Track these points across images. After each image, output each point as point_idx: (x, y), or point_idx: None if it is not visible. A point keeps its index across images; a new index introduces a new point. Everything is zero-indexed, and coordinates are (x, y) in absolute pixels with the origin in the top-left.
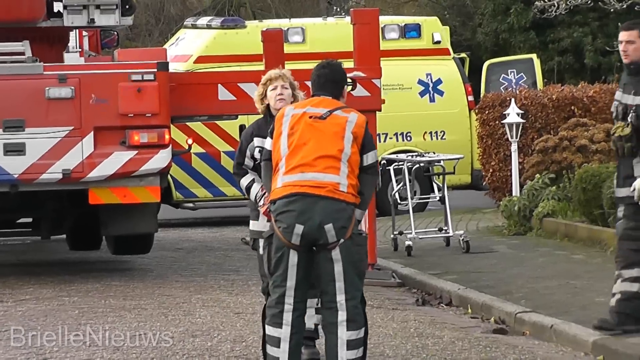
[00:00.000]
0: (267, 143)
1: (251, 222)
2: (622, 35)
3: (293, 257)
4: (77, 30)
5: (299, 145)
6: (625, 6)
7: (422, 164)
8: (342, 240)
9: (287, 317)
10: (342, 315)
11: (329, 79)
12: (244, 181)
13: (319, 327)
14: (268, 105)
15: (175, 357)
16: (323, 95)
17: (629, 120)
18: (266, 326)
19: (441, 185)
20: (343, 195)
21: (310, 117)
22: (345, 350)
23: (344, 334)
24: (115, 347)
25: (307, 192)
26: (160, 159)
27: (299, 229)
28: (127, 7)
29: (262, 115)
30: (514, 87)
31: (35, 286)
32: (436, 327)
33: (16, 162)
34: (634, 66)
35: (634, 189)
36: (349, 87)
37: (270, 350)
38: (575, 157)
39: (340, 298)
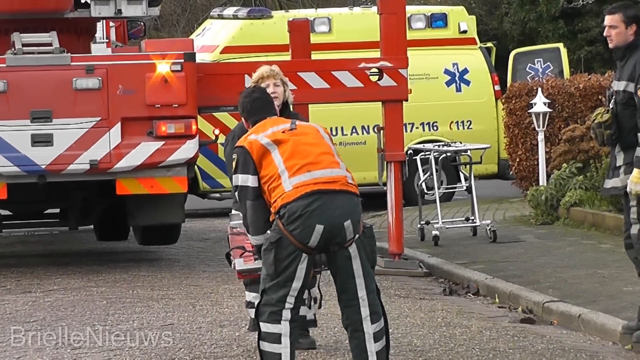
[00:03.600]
0: (250, 180)
1: (235, 211)
2: (606, 20)
3: (303, 261)
4: (104, 20)
5: (295, 148)
6: None
7: (448, 154)
8: (357, 235)
9: (287, 314)
10: (365, 312)
11: (265, 100)
12: None
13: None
14: None
15: (203, 347)
16: (269, 116)
17: (610, 106)
18: (263, 324)
19: (468, 174)
20: (353, 188)
21: (283, 132)
22: (373, 343)
23: (369, 327)
24: (144, 338)
25: (322, 188)
26: (187, 150)
27: (319, 229)
28: None
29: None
30: (541, 76)
31: (63, 277)
32: (464, 316)
33: (44, 153)
34: (617, 51)
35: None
36: (376, 77)
37: (270, 347)
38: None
39: (362, 294)
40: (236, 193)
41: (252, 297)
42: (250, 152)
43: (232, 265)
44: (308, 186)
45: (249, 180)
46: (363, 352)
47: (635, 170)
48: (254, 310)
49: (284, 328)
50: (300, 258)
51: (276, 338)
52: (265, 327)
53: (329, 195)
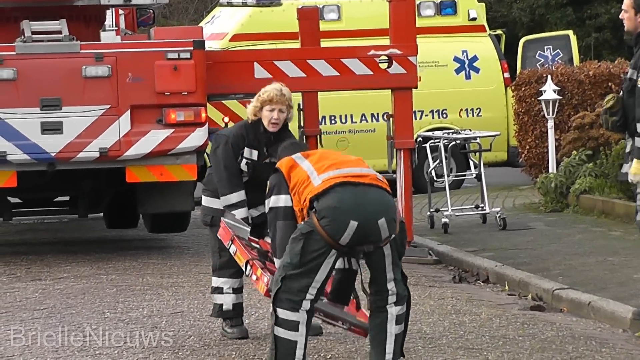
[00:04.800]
0: (282, 200)
1: (207, 199)
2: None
3: (332, 255)
4: (114, 8)
5: (323, 154)
6: None
7: (458, 141)
8: (393, 235)
9: (307, 304)
10: (392, 298)
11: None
12: (235, 197)
13: None
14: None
15: (213, 334)
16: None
17: (620, 92)
18: (281, 310)
19: (477, 162)
20: (384, 184)
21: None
22: (394, 325)
23: (393, 309)
24: (153, 325)
25: (352, 181)
26: (197, 137)
27: (353, 225)
28: None
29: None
30: (550, 63)
31: (73, 264)
32: (473, 304)
33: (53, 141)
34: (627, 36)
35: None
36: (385, 65)
37: (286, 334)
38: (612, 133)
39: (391, 286)
40: (268, 216)
41: (220, 282)
42: (280, 168)
43: (253, 276)
44: (337, 179)
45: (281, 200)
46: (383, 332)
47: (635, 160)
48: (219, 295)
49: (302, 316)
50: (328, 253)
51: (294, 325)
52: (283, 313)
53: (361, 190)
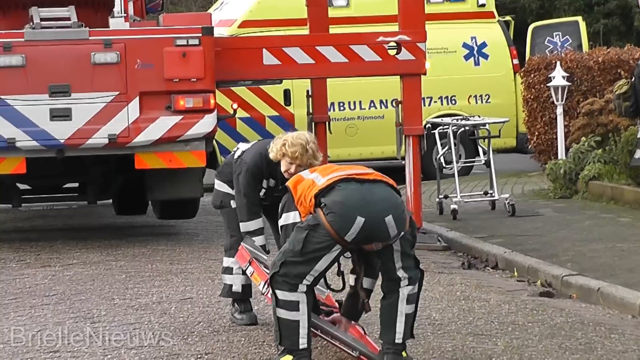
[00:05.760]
0: (292, 217)
1: (219, 182)
2: None
3: (336, 250)
4: None
5: (329, 165)
6: None
7: (467, 128)
8: (402, 232)
9: (303, 287)
10: (404, 282)
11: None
12: (253, 225)
13: None
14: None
15: (222, 320)
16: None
17: (632, 78)
18: (279, 292)
19: (486, 148)
20: (389, 180)
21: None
22: (405, 304)
23: (405, 290)
24: (163, 312)
25: (357, 177)
26: (206, 124)
27: (359, 222)
28: None
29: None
30: (560, 50)
31: (82, 250)
32: (482, 290)
33: (62, 128)
34: None
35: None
36: (394, 51)
37: (288, 314)
38: (622, 119)
39: (401, 273)
40: (280, 236)
41: (231, 262)
42: (289, 185)
43: (267, 292)
44: (341, 176)
45: (290, 217)
46: (393, 311)
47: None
48: (229, 276)
49: (300, 297)
50: (332, 248)
51: (294, 305)
52: (282, 294)
53: (367, 187)
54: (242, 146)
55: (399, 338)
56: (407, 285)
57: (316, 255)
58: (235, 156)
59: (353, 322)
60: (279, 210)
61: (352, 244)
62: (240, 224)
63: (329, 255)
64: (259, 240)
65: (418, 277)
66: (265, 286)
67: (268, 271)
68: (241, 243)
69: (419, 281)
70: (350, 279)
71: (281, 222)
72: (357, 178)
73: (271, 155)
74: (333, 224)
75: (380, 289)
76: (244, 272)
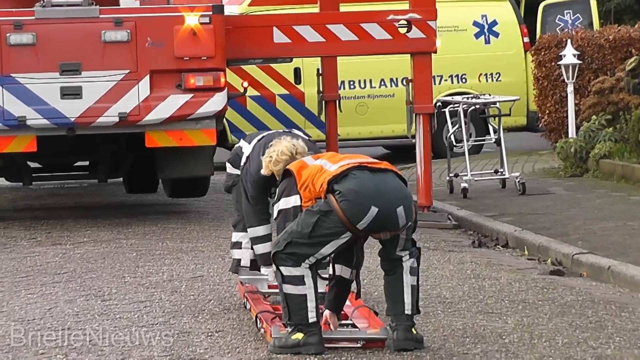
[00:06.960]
0: (292, 200)
1: (230, 166)
2: None
3: (345, 237)
4: None
5: (334, 154)
6: None
7: (477, 106)
8: (410, 223)
9: (305, 265)
10: (405, 257)
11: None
12: (262, 230)
13: None
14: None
15: (233, 298)
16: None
17: None
18: (284, 268)
19: (497, 127)
20: (398, 170)
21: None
22: (409, 275)
23: (408, 263)
24: (173, 289)
25: (369, 166)
26: (216, 102)
27: (373, 211)
28: None
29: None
30: (570, 28)
31: (93, 229)
32: (493, 268)
33: (73, 106)
34: None
35: None
36: (404, 29)
37: (294, 289)
38: (632, 98)
39: (400, 253)
40: (277, 220)
41: (239, 237)
42: (291, 169)
43: (262, 330)
44: (354, 164)
45: (291, 201)
46: (399, 282)
47: None
48: (238, 250)
49: (305, 271)
50: (341, 234)
51: (300, 279)
52: (286, 270)
53: (379, 177)
54: (245, 147)
55: (407, 309)
56: (408, 259)
57: (324, 240)
58: (243, 160)
59: (359, 302)
60: (277, 193)
61: (363, 232)
62: (249, 229)
63: (336, 241)
64: (266, 247)
65: (416, 252)
66: (258, 322)
67: (265, 297)
68: (238, 277)
69: (417, 257)
70: (337, 269)
71: (281, 205)
72: (369, 167)
73: (262, 172)
74: (346, 212)
75: (380, 268)
76: (252, 247)
